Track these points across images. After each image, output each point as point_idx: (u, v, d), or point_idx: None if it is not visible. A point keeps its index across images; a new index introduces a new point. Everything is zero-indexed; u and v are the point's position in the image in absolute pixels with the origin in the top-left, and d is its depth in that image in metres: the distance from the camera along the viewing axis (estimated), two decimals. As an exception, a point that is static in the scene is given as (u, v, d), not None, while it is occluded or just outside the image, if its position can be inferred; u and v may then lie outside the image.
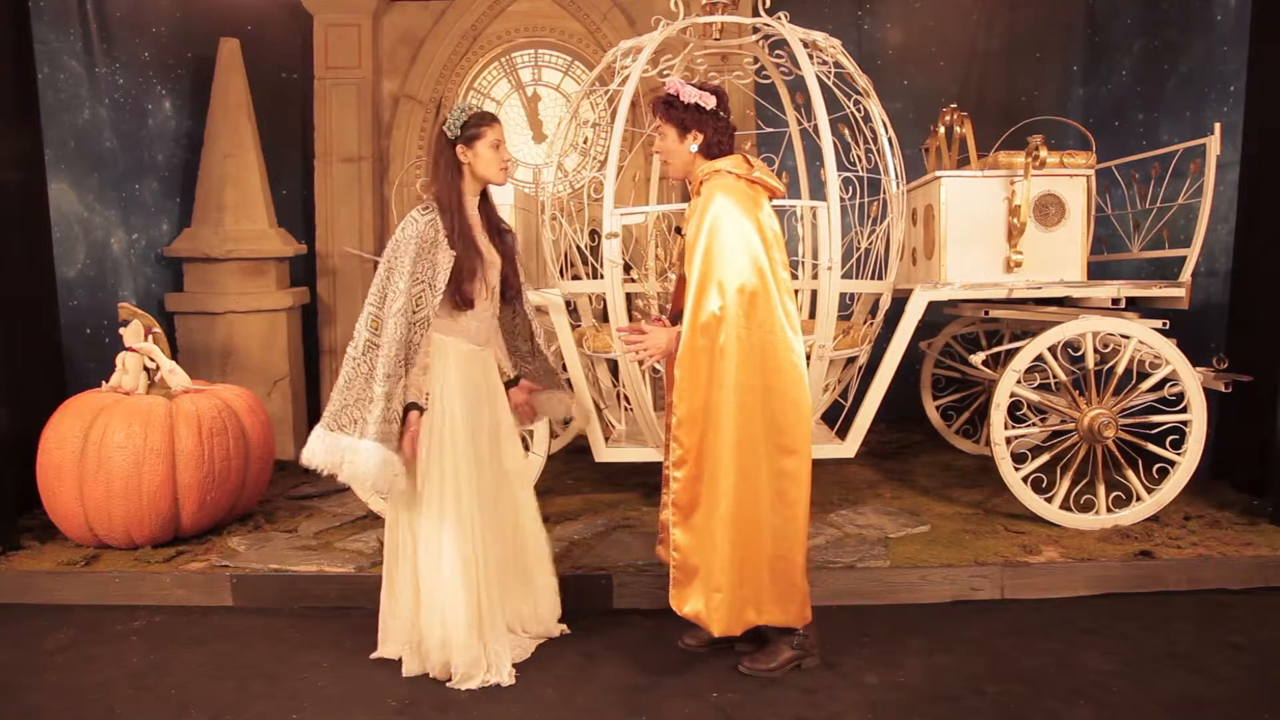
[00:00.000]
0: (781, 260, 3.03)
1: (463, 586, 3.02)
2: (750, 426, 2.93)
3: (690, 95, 3.02)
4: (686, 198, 5.76)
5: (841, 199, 4.02)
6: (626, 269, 4.43)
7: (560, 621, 3.40)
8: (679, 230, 3.13)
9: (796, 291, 4.60)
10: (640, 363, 3.33)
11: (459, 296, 3.04)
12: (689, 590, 3.00)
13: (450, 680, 3.02)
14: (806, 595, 3.06)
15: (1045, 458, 4.24)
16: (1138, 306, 4.41)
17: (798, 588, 3.03)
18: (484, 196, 3.20)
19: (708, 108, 3.03)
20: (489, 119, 3.09)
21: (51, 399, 4.33)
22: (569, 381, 3.99)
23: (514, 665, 3.11)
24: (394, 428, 2.93)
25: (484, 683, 3.01)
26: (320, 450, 2.96)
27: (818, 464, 3.16)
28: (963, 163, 4.87)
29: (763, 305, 2.93)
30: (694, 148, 3.06)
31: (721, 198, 2.98)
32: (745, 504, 2.94)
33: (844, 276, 4.10)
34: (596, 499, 4.78)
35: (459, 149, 3.06)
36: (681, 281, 3.11)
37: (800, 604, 3.04)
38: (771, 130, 5.06)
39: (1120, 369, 4.15)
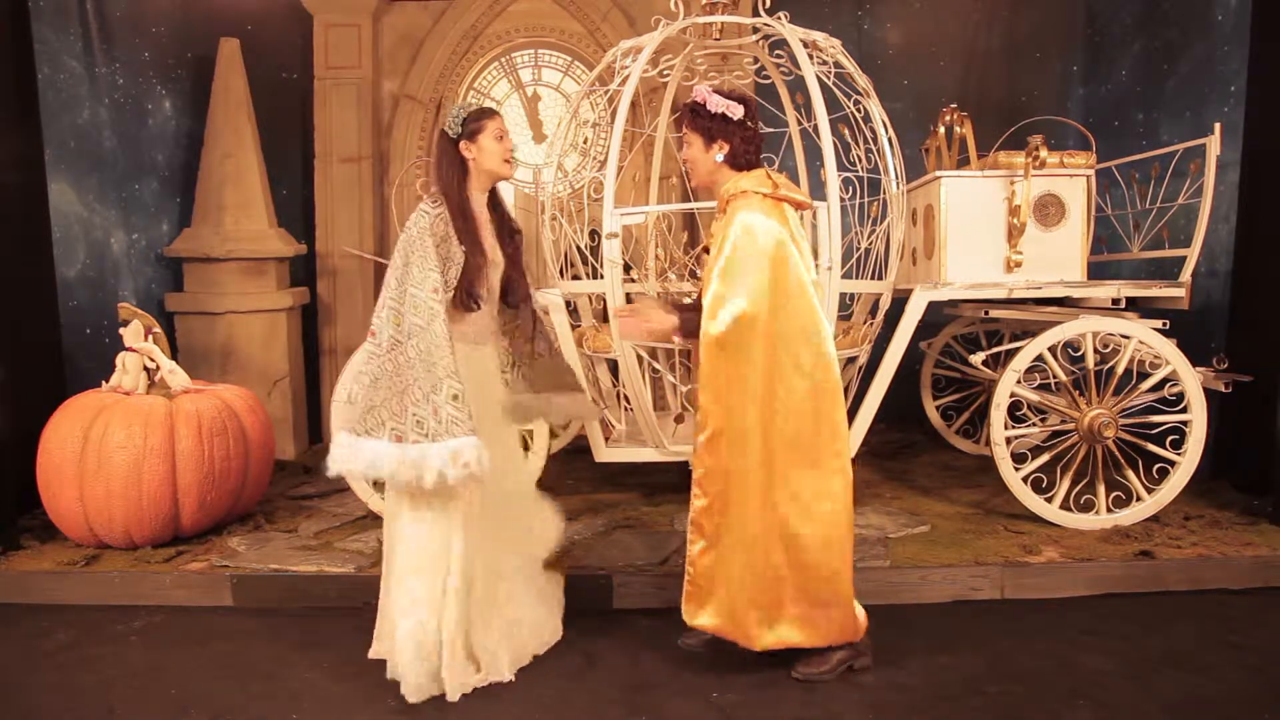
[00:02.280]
0: (810, 275, 2.96)
1: (465, 590, 3.01)
2: (783, 450, 2.88)
3: (717, 104, 2.95)
4: (687, 197, 5.78)
5: (841, 199, 4.01)
6: (626, 269, 4.43)
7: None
8: (708, 250, 3.11)
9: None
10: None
11: (467, 296, 3.01)
12: (703, 608, 2.97)
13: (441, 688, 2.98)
14: (846, 615, 2.99)
15: (1045, 458, 4.24)
16: (1138, 306, 4.41)
17: (831, 607, 2.96)
18: (493, 195, 3.18)
19: (735, 117, 2.95)
20: (489, 112, 3.08)
21: (51, 399, 4.32)
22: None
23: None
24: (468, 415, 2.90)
25: (482, 682, 3.01)
26: (348, 455, 2.92)
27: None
28: (963, 163, 4.87)
29: (784, 323, 2.88)
30: (719, 157, 2.99)
31: (746, 218, 2.91)
32: (766, 527, 2.90)
33: (844, 276, 4.10)
34: (596, 499, 4.78)
35: (463, 145, 3.05)
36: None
37: (837, 624, 2.98)
38: (771, 130, 5.04)
39: (1120, 369, 4.15)
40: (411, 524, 3.01)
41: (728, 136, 2.98)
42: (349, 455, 2.92)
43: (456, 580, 2.98)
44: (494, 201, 3.18)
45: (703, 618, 2.99)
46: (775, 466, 2.90)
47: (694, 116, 3.00)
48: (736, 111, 2.96)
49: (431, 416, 2.86)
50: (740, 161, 3.01)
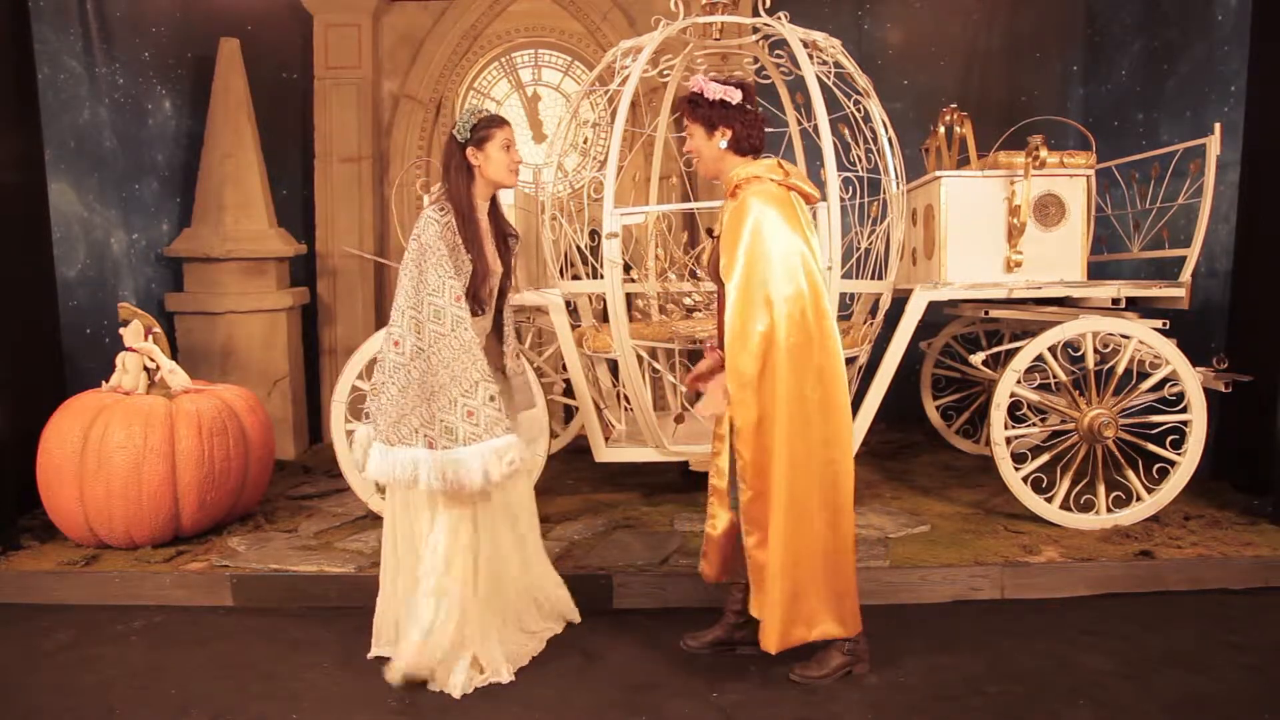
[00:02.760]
0: (819, 266, 2.98)
1: (463, 588, 3.02)
2: (801, 439, 2.88)
3: (715, 91, 2.96)
4: (687, 197, 5.78)
5: (841, 199, 4.01)
6: (626, 269, 4.43)
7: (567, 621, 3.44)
8: (710, 232, 3.10)
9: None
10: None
11: (473, 301, 3.02)
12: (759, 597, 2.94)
13: (434, 679, 3.00)
14: (857, 603, 3.02)
15: (1045, 458, 4.24)
16: (1138, 306, 4.41)
17: (849, 597, 2.99)
18: (493, 203, 3.19)
19: (733, 102, 2.96)
20: (499, 120, 3.08)
21: (51, 399, 4.32)
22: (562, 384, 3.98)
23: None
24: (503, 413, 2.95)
25: (484, 682, 3.02)
26: (384, 465, 2.95)
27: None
28: (963, 163, 4.87)
29: (812, 314, 2.88)
30: (723, 144, 2.99)
31: (761, 205, 2.90)
32: (800, 519, 2.89)
33: (844, 276, 4.10)
34: (596, 499, 4.78)
35: (469, 152, 3.05)
36: (722, 288, 3.02)
37: (853, 613, 3.00)
38: (771, 130, 5.01)
39: (1120, 369, 4.15)
40: (439, 528, 3.04)
41: (729, 122, 2.98)
42: (386, 466, 2.95)
43: (472, 580, 3.03)
44: (493, 209, 3.19)
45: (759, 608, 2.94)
46: (797, 459, 2.90)
47: (693, 107, 3.01)
48: (734, 96, 2.97)
49: (465, 421, 2.90)
50: (744, 146, 3.01)
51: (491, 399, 2.92)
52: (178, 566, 3.90)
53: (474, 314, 3.05)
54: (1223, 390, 4.19)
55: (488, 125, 3.05)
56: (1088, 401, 4.23)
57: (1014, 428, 4.23)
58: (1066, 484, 4.17)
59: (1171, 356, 4.10)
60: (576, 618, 3.45)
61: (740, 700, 2.92)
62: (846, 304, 4.65)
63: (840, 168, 4.00)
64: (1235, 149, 4.64)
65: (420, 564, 3.07)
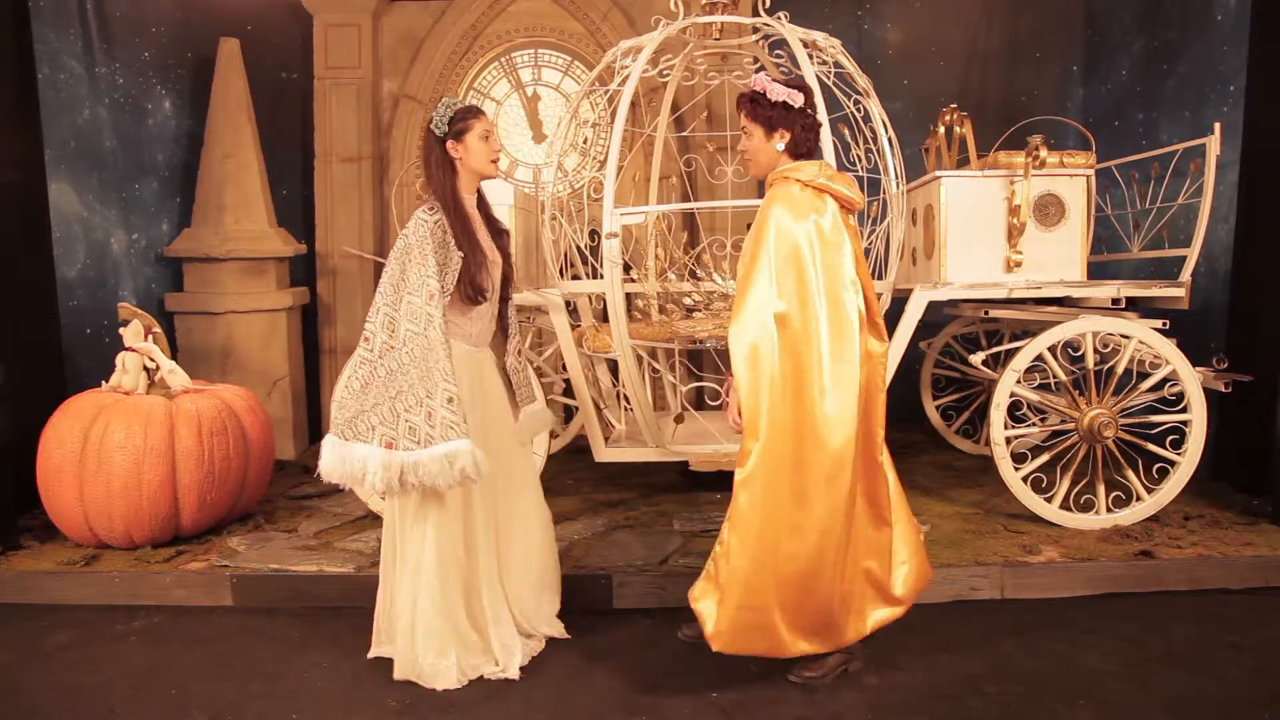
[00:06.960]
0: (842, 274, 2.87)
1: (440, 583, 3.00)
2: (777, 459, 2.80)
3: (778, 93, 2.93)
4: (687, 197, 5.78)
5: (841, 199, 4.01)
6: (626, 269, 4.43)
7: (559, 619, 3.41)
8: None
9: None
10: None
11: (472, 289, 3.00)
12: (707, 587, 2.87)
13: (418, 677, 3.00)
14: (835, 624, 2.92)
15: (1045, 458, 4.24)
16: (1138, 306, 4.41)
17: (818, 618, 2.90)
18: (480, 196, 3.19)
19: (795, 105, 2.94)
20: (475, 111, 3.07)
21: (51, 399, 4.32)
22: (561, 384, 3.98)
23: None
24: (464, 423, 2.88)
25: (500, 674, 3.04)
26: (335, 460, 2.92)
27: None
28: (963, 163, 4.87)
29: (799, 331, 2.81)
30: (780, 146, 2.96)
31: (777, 209, 2.88)
32: (766, 537, 2.81)
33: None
34: (596, 499, 4.78)
35: (449, 145, 3.05)
36: None
37: (828, 632, 2.92)
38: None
39: (1120, 369, 4.15)
40: (415, 524, 3.03)
41: (789, 125, 2.95)
42: (336, 460, 2.92)
43: (452, 578, 3.03)
44: (481, 203, 3.19)
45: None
46: (774, 482, 2.82)
47: (754, 106, 2.97)
48: (797, 100, 2.95)
49: (425, 422, 2.86)
50: (801, 150, 2.99)
51: (450, 401, 2.87)
52: (178, 566, 3.90)
53: (476, 301, 3.05)
54: (1223, 390, 4.19)
55: (465, 117, 3.04)
56: (1088, 401, 4.23)
57: (1014, 428, 4.23)
58: (1066, 484, 4.18)
59: (1171, 356, 4.10)
60: (555, 632, 3.37)
61: (740, 700, 2.92)
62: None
63: (840, 167, 3.99)
64: (1235, 149, 4.64)
65: (404, 564, 3.06)
